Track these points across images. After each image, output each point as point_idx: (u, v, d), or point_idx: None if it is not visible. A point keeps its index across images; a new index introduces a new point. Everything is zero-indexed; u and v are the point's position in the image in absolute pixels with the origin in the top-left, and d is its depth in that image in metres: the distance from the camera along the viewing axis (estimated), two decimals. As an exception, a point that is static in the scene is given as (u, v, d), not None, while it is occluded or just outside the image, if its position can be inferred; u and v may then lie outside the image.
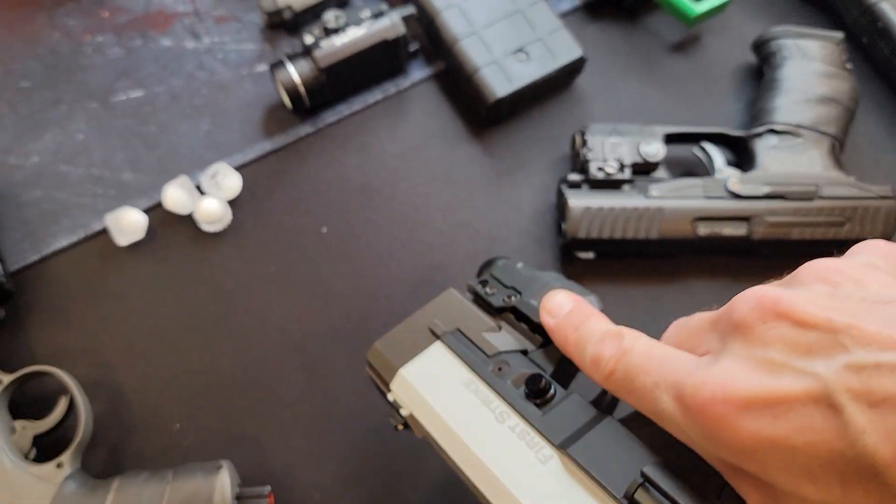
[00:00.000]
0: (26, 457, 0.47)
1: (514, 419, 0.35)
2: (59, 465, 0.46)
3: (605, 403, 0.37)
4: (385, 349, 0.41)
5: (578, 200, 0.55)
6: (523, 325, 0.41)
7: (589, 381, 0.43)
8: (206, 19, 0.67)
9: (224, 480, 0.46)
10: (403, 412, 0.39)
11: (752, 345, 0.26)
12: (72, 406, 0.50)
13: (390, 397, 0.41)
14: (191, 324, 0.56)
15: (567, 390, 0.36)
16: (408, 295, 0.57)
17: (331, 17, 0.60)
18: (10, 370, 0.50)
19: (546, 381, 0.36)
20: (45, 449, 0.49)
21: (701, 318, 0.32)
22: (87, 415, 0.49)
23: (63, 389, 0.50)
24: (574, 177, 0.57)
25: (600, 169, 0.56)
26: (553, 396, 0.35)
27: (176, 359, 0.55)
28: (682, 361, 0.29)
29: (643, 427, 0.32)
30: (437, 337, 0.41)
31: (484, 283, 0.44)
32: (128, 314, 0.56)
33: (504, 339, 0.40)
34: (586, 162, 0.56)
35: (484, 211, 0.60)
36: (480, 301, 0.43)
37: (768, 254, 0.57)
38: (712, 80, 0.66)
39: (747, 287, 0.50)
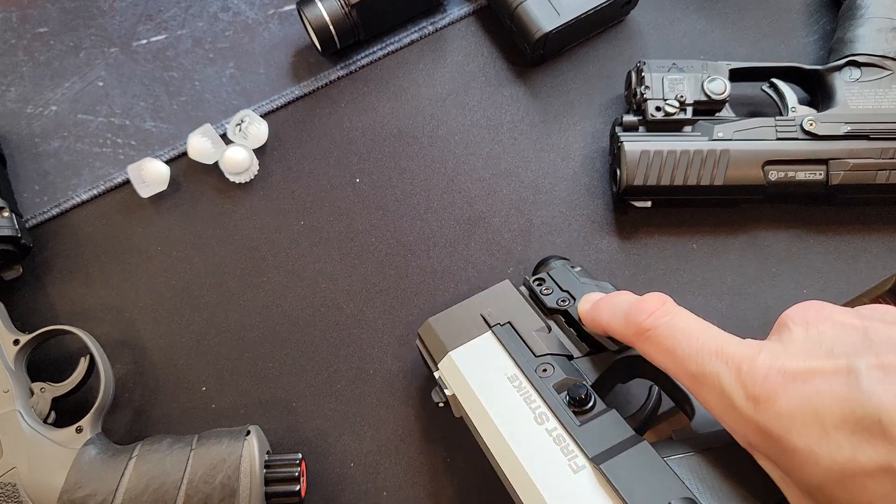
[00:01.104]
0: (45, 420, 0.44)
1: (552, 423, 0.36)
2: (78, 430, 0.43)
3: (640, 420, 0.40)
4: (438, 328, 0.43)
5: (635, 144, 0.50)
6: (572, 331, 0.42)
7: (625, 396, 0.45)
8: (229, -44, 0.62)
9: (252, 447, 0.43)
10: (447, 392, 0.41)
11: (799, 336, 0.32)
12: (92, 367, 0.47)
13: (436, 374, 0.42)
14: (218, 280, 0.53)
15: (606, 405, 0.37)
16: (447, 250, 0.53)
17: (362, -53, 0.55)
18: (29, 329, 0.47)
19: (588, 392, 0.37)
20: (65, 412, 0.46)
21: None
22: (108, 377, 0.46)
23: (83, 349, 0.47)
24: (629, 118, 0.52)
25: (659, 109, 0.51)
26: (592, 408, 0.37)
27: (202, 317, 0.52)
28: (730, 336, 0.33)
29: (675, 453, 0.34)
30: (490, 327, 0.42)
31: (540, 282, 0.45)
32: (152, 270, 0.53)
33: (552, 340, 0.42)
34: (643, 101, 0.51)
35: (529, 158, 0.56)
36: (535, 298, 0.44)
37: (848, 201, 0.51)
38: (781, 10, 0.60)
39: (821, 238, 0.46)
